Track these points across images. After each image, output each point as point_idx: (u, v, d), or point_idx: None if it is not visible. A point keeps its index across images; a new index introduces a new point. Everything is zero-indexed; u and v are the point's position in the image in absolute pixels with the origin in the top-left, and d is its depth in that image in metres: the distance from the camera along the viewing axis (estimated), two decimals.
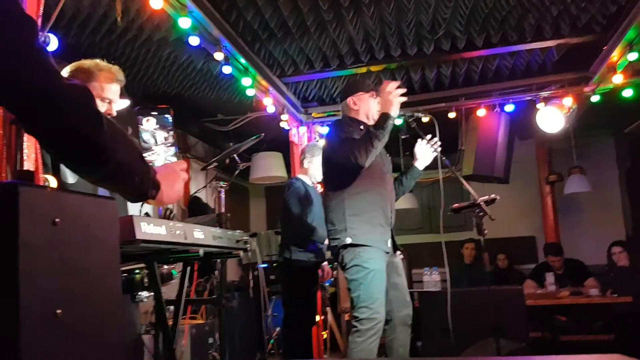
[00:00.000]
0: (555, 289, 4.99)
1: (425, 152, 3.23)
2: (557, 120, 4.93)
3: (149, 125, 1.53)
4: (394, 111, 2.93)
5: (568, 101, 4.84)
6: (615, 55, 4.15)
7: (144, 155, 1.20)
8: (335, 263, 4.97)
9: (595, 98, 4.81)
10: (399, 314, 2.98)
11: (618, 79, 4.37)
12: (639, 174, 6.76)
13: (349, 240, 2.87)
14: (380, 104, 3.01)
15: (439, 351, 3.54)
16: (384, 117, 2.93)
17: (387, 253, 2.99)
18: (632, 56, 3.99)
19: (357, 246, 2.87)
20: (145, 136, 1.52)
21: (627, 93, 4.65)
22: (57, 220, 0.95)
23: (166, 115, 1.53)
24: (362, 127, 3.06)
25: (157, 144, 1.53)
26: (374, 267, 2.84)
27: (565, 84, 4.86)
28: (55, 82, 0.97)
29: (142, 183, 1.17)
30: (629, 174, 6.90)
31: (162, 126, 1.53)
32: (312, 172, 4.10)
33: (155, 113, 1.53)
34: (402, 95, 2.94)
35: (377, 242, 2.90)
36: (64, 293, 0.95)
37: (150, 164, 1.24)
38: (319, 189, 5.56)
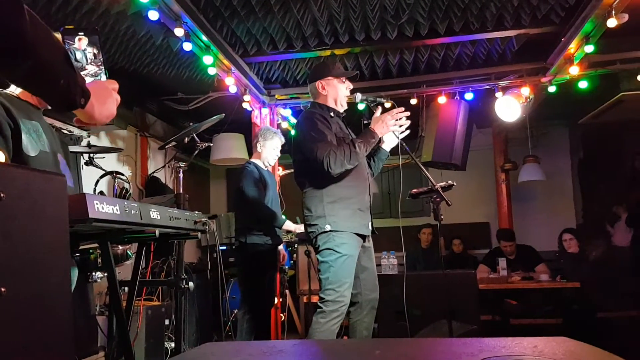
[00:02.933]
0: (507, 273, 5.14)
1: (391, 134, 3.23)
2: (514, 110, 5.04)
3: (81, 44, 1.47)
4: (384, 134, 3.04)
5: (525, 91, 4.94)
6: (572, 47, 4.25)
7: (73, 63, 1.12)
8: (297, 246, 5.03)
9: (552, 89, 4.93)
10: (368, 297, 3.02)
11: (574, 70, 4.49)
12: (591, 164, 7.01)
13: (328, 228, 2.88)
14: (376, 120, 3.02)
15: (394, 333, 3.60)
16: (371, 135, 2.98)
17: (366, 237, 3.03)
18: (589, 48, 4.09)
19: (333, 231, 2.88)
20: (78, 55, 1.46)
21: (583, 85, 4.79)
22: (1, 195, 0.91)
23: (94, 35, 1.48)
24: (332, 114, 3.09)
25: (89, 62, 1.47)
26: (346, 252, 2.86)
27: (523, 74, 4.96)
28: None
29: (68, 88, 1.09)
30: (581, 164, 7.15)
31: (92, 42, 1.47)
32: (265, 156, 4.08)
33: (82, 34, 1.47)
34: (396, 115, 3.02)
35: (356, 228, 2.93)
36: (9, 270, 0.92)
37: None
38: (281, 172, 5.59)
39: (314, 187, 2.98)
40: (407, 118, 3.06)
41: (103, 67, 1.47)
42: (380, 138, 3.09)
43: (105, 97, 1.25)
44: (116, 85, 1.34)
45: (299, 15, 3.99)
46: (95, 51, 1.47)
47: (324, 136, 2.91)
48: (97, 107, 1.20)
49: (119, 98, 1.32)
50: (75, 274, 2.04)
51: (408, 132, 3.14)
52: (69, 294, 1.05)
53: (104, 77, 1.47)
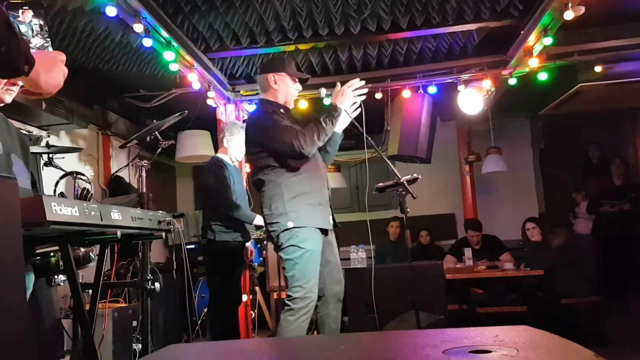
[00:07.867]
0: (472, 263, 5.23)
1: (344, 114, 3.09)
2: (476, 102, 5.12)
3: (25, 16, 1.42)
4: (345, 106, 2.96)
5: (487, 84, 5.02)
6: (531, 40, 4.32)
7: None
8: (266, 242, 5.01)
9: (512, 81, 5.02)
10: (332, 290, 3.03)
11: (534, 62, 4.57)
12: (552, 154, 7.21)
13: (290, 225, 2.85)
14: (335, 95, 2.98)
15: (363, 326, 3.63)
16: (334, 108, 2.93)
17: (327, 231, 3.02)
18: (547, 41, 4.17)
19: (296, 227, 2.86)
20: (23, 28, 1.42)
21: (542, 76, 4.89)
22: None
23: (38, 8, 1.43)
24: (282, 110, 3.06)
25: (34, 34, 1.43)
26: (310, 248, 2.86)
27: (484, 67, 5.03)
28: None
29: (10, 54, 1.04)
30: (542, 155, 7.34)
31: (37, 15, 1.43)
32: (232, 151, 4.04)
33: (27, 7, 1.43)
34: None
35: (319, 222, 2.92)
36: None
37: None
38: (247, 169, 5.55)
39: (272, 185, 2.95)
40: (369, 117, 3.03)
41: (49, 38, 1.42)
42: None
43: (51, 65, 1.21)
44: (63, 57, 1.29)
45: (261, 10, 3.96)
46: (41, 22, 1.42)
47: (284, 123, 2.91)
48: (43, 75, 1.16)
49: (66, 70, 1.28)
50: (31, 279, 1.99)
51: (359, 111, 3.08)
52: (24, 300, 1.02)
53: (50, 49, 1.42)
